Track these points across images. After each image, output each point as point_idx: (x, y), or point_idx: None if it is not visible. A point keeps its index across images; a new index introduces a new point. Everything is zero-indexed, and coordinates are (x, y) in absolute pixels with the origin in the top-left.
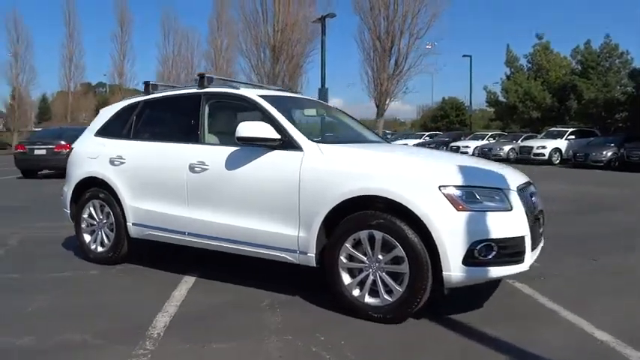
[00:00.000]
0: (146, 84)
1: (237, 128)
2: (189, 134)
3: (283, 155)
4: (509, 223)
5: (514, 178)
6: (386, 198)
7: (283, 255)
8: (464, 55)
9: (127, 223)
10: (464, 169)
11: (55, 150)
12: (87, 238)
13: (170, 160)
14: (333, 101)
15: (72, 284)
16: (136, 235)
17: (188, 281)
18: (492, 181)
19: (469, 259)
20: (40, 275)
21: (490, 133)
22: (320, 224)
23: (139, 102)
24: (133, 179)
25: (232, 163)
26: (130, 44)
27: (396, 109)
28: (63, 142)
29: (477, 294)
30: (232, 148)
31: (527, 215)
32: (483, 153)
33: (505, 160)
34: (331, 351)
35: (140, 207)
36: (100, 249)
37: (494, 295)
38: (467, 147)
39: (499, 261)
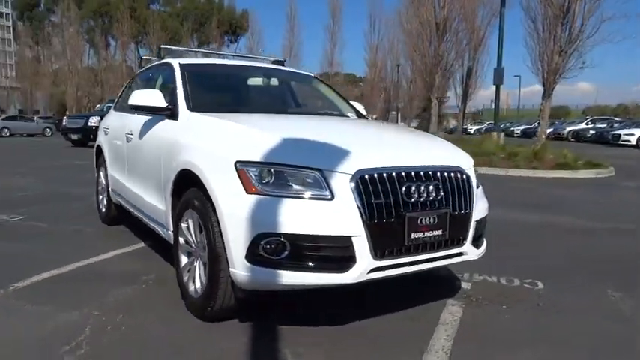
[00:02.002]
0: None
1: (130, 95)
2: None
3: (165, 124)
4: (322, 215)
5: (380, 156)
6: (191, 173)
7: (159, 230)
8: None
9: (109, 189)
10: (281, 143)
11: None
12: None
13: (119, 130)
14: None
15: None
16: (114, 200)
17: None
18: (308, 160)
19: (253, 256)
20: None
21: None
22: (169, 198)
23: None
24: (109, 147)
25: (142, 132)
26: (340, 34)
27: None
28: None
29: None
30: (146, 118)
31: (366, 209)
32: None
33: None
34: None
35: (112, 174)
36: (103, 209)
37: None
38: (630, 135)
39: (300, 265)
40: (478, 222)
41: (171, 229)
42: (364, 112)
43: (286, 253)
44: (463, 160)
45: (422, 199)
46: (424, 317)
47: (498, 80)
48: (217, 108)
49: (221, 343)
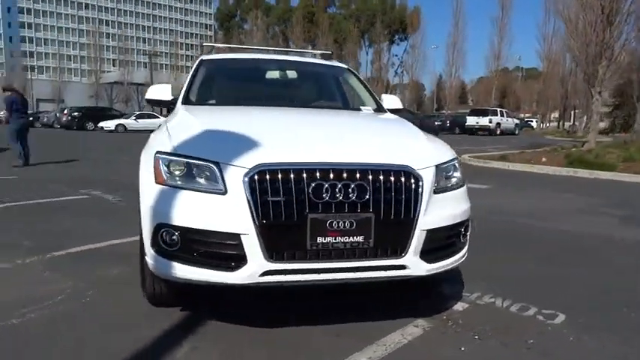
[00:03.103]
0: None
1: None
2: None
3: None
4: (213, 210)
5: (291, 150)
6: None
7: None
8: None
9: None
10: (209, 135)
11: None
12: None
13: None
14: None
15: None
16: None
17: None
18: (209, 153)
19: (156, 246)
20: None
21: None
22: None
23: None
24: None
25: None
26: (508, 26)
27: None
28: None
29: None
30: None
31: (259, 206)
32: None
33: None
34: None
35: None
36: None
37: None
38: None
39: (191, 259)
40: (432, 231)
41: None
42: (396, 105)
43: (179, 245)
44: (419, 159)
45: (335, 201)
46: (367, 333)
47: None
48: (209, 101)
49: (136, 330)
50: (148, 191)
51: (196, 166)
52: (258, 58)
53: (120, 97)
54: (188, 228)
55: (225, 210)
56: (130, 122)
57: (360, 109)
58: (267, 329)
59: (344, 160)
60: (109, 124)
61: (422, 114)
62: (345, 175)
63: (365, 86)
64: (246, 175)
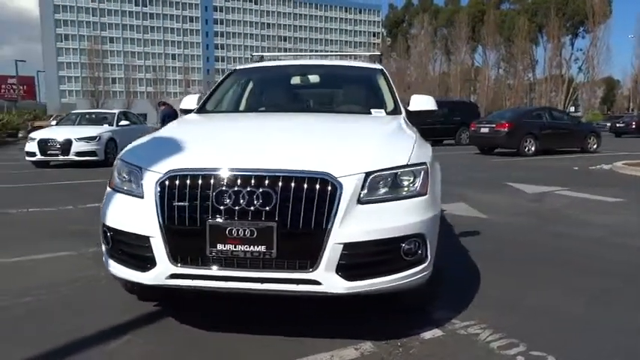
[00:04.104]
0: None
1: None
2: None
3: None
4: (131, 212)
5: (205, 156)
6: None
7: None
8: None
9: None
10: (156, 142)
11: (496, 128)
12: None
13: None
14: None
15: None
16: None
17: None
18: (135, 158)
19: (103, 244)
20: None
21: None
22: None
23: None
24: None
25: None
26: None
27: None
28: (503, 122)
29: None
30: None
31: (165, 210)
32: None
33: None
34: None
35: None
36: None
37: None
38: None
39: (118, 257)
40: (352, 246)
41: None
42: (424, 107)
43: (111, 244)
44: (346, 166)
45: (238, 208)
46: (296, 349)
47: None
48: (222, 109)
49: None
50: (106, 194)
51: (130, 171)
52: (289, 65)
53: None
54: (114, 228)
55: (140, 213)
56: None
57: (370, 113)
58: (207, 332)
59: (259, 166)
60: None
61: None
62: (253, 182)
63: (389, 88)
64: (158, 180)
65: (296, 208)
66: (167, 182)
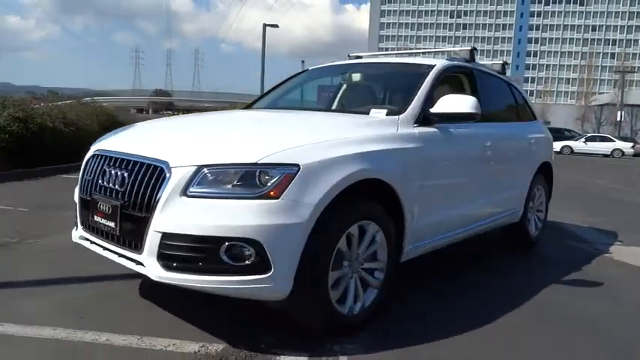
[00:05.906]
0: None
1: None
2: None
3: None
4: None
5: (116, 141)
6: None
7: None
8: None
9: None
10: (143, 129)
11: None
12: None
13: None
14: None
15: None
16: None
17: None
18: (103, 142)
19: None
20: None
21: None
22: None
23: None
24: None
25: None
26: None
27: None
28: None
29: None
30: None
31: (81, 182)
32: None
33: None
34: None
35: None
36: None
37: None
38: None
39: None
40: (169, 236)
41: None
42: (452, 109)
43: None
44: (187, 156)
45: (105, 185)
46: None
47: None
48: (260, 106)
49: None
50: None
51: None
52: (350, 64)
53: (610, 119)
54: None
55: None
56: (577, 144)
57: (368, 113)
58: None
59: (127, 151)
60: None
61: None
62: (117, 164)
63: (418, 87)
64: (87, 157)
65: (135, 192)
66: (89, 160)
